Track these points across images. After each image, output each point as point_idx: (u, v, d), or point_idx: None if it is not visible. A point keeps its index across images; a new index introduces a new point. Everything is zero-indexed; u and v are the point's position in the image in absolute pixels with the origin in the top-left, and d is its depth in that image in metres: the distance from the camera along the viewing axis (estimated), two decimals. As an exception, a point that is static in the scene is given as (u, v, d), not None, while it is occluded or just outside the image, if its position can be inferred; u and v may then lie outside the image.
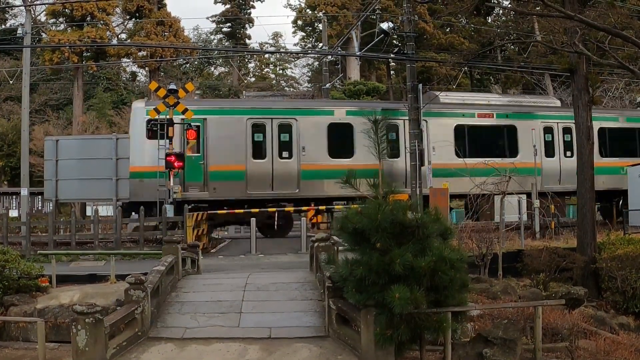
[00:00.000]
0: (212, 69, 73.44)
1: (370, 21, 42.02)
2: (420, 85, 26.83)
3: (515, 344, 12.69)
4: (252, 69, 77.30)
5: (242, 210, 25.31)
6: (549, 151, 29.30)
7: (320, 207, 26.42)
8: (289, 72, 79.17)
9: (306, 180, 26.19)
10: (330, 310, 13.20)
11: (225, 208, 25.43)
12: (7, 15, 59.05)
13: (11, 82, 45.63)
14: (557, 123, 29.58)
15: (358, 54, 39.31)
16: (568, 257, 19.65)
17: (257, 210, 25.35)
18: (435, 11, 48.74)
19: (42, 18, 54.13)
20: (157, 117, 24.68)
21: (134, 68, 63.70)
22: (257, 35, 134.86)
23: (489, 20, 54.82)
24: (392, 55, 33.29)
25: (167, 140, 24.57)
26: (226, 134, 25.69)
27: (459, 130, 28.50)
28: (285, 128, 26.55)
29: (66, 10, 47.68)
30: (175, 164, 24.00)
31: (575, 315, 15.94)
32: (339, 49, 41.93)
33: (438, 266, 11.11)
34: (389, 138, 27.66)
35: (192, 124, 24.14)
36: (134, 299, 13.11)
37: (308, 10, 58.29)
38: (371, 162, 25.93)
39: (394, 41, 48.29)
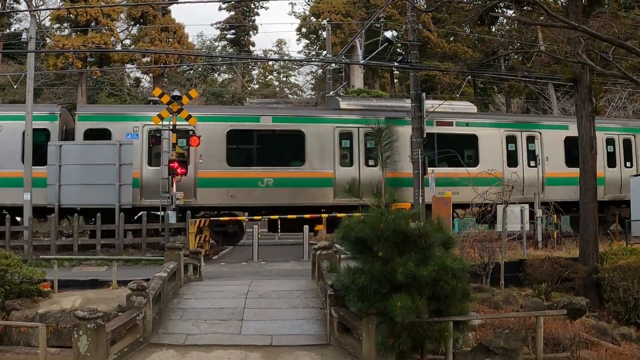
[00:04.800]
0: (216, 75, 73.52)
1: (374, 29, 42.05)
2: (423, 94, 26.86)
3: (517, 353, 12.71)
4: (255, 76, 77.36)
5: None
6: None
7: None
8: (292, 79, 79.27)
9: None
10: (331, 318, 13.21)
11: None
12: (11, 20, 59.12)
13: (15, 86, 45.67)
14: None
15: (362, 62, 39.37)
16: (570, 267, 19.64)
17: None
18: (439, 20, 48.75)
19: (47, 23, 54.25)
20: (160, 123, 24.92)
21: (138, 74, 63.83)
22: (261, 42, 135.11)
23: (493, 30, 54.84)
24: (395, 64, 33.26)
25: (171, 146, 24.68)
26: None
27: None
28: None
29: (71, 15, 47.83)
30: (178, 170, 24.08)
31: (577, 326, 15.92)
32: (343, 56, 42.00)
33: (440, 275, 11.13)
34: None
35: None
36: (136, 305, 13.13)
37: (312, 18, 58.33)
38: None
39: (398, 49, 48.32)
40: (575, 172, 26.91)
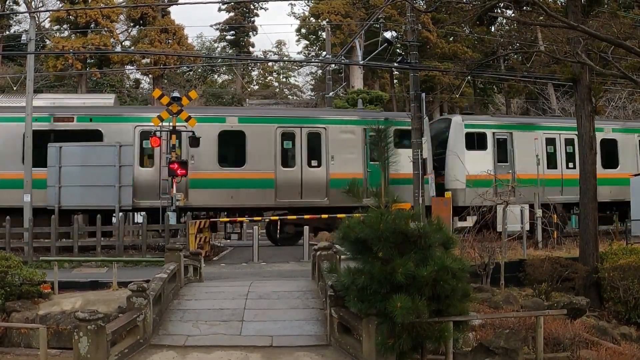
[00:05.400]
0: (216, 76, 73.54)
1: (374, 30, 42.06)
2: (423, 95, 26.87)
3: (517, 353, 12.72)
4: (255, 77, 77.38)
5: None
6: None
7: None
8: (292, 80, 79.29)
9: None
10: (332, 319, 13.22)
11: None
12: (11, 22, 59.19)
13: (15, 88, 45.63)
14: None
15: (361, 62, 39.42)
16: (570, 266, 19.64)
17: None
18: (438, 20, 48.78)
19: (47, 25, 54.29)
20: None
21: (138, 75, 63.91)
22: (261, 43, 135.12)
23: (493, 30, 54.89)
24: (395, 64, 33.28)
25: (171, 148, 24.72)
26: None
27: None
28: None
29: (70, 17, 47.83)
30: (178, 171, 24.10)
31: (577, 325, 15.94)
32: (343, 57, 42.02)
33: (440, 276, 11.14)
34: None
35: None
36: (136, 306, 13.14)
37: (312, 18, 58.32)
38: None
39: (397, 50, 48.36)
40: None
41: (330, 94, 41.07)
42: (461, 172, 27.35)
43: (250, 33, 68.44)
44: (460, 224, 25.27)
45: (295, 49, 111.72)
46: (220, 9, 66.77)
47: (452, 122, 29.05)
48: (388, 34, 28.98)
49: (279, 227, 27.68)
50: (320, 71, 63.80)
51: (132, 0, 48.93)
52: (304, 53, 66.91)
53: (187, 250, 19.72)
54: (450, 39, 55.89)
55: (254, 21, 68.57)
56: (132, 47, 52.85)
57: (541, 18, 20.51)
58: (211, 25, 75.09)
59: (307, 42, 64.95)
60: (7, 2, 56.56)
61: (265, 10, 72.59)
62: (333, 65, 44.24)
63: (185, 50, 51.66)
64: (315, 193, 26.96)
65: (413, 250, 11.50)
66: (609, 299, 19.30)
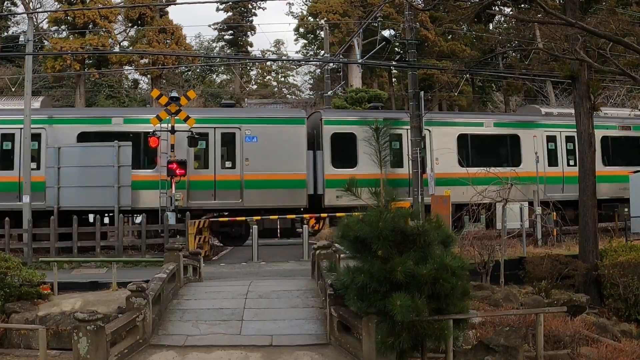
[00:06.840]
0: (214, 76, 73.51)
1: (372, 29, 42.09)
2: (422, 93, 26.85)
3: (517, 351, 12.70)
4: (254, 76, 77.34)
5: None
6: None
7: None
8: (290, 79, 79.29)
9: None
10: (331, 317, 13.20)
11: None
12: (9, 23, 59.16)
13: (13, 89, 45.58)
14: None
15: (360, 61, 39.33)
16: (570, 264, 19.64)
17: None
18: (436, 19, 48.78)
19: (45, 26, 54.27)
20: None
21: (136, 75, 63.85)
22: (259, 42, 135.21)
23: (491, 28, 54.84)
24: (393, 63, 33.28)
25: (170, 148, 24.70)
26: None
27: None
28: None
29: (68, 18, 47.77)
30: (177, 171, 24.07)
31: (577, 323, 15.93)
32: (341, 56, 41.93)
33: (439, 274, 11.11)
34: None
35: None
36: (136, 306, 13.12)
37: (310, 18, 58.32)
38: None
39: (396, 48, 48.26)
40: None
41: (329, 93, 41.04)
42: None
43: (249, 32, 68.48)
44: None
45: (293, 48, 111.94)
46: (218, 9, 66.93)
47: None
48: (386, 33, 28.87)
49: None
50: (319, 70, 63.74)
51: (130, 0, 48.90)
52: (302, 52, 67.02)
53: (187, 250, 19.71)
54: (449, 37, 55.86)
55: (252, 21, 68.64)
56: (130, 48, 52.76)
57: (539, 15, 20.48)
58: (209, 25, 75.20)
59: (306, 42, 65.02)
60: (5, 3, 56.51)
61: (264, 9, 72.80)
62: (331, 64, 44.22)
63: (184, 50, 51.61)
64: None
65: (412, 249, 11.48)
66: (609, 296, 19.31)
